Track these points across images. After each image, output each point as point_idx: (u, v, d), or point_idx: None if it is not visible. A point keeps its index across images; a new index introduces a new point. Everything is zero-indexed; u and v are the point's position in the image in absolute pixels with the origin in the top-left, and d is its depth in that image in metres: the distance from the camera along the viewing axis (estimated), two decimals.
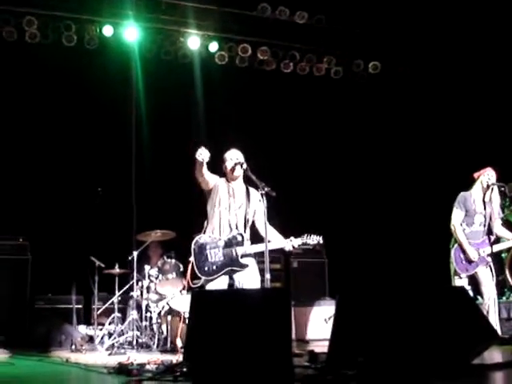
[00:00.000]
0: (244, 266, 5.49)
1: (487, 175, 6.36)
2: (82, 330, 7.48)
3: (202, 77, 9.00)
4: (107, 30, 8.35)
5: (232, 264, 5.49)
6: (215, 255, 5.49)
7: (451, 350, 4.04)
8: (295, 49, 9.22)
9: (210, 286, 5.48)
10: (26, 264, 7.79)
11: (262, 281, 5.38)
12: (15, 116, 8.37)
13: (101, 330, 7.29)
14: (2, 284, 7.61)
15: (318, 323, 7.82)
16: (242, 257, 5.50)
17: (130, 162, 8.73)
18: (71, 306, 7.41)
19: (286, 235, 5.54)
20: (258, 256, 5.64)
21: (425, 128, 9.41)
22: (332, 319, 7.69)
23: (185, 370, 4.36)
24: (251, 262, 5.56)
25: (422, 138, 9.43)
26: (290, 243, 5.49)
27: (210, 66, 9.00)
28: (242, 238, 5.55)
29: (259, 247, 5.49)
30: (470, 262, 6.25)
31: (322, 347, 5.99)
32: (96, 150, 8.61)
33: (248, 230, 5.66)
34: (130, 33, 8.45)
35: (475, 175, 6.48)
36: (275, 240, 5.47)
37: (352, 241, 9.21)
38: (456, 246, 6.37)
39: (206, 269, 5.48)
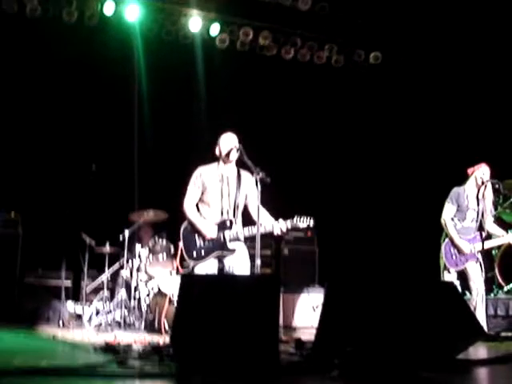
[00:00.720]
0: (232, 251, 5.48)
1: (481, 171, 6.34)
2: (70, 306, 7.48)
3: (202, 58, 8.97)
4: (108, 7, 8.28)
5: (220, 248, 5.48)
6: (203, 240, 5.49)
7: (437, 344, 4.07)
8: (297, 35, 9.17)
9: (198, 270, 5.49)
10: (17, 238, 7.76)
11: (253, 266, 5.38)
12: (12, 90, 8.30)
13: (89, 307, 7.30)
14: None
15: (306, 311, 7.86)
16: (230, 241, 5.49)
17: (129, 140, 8.72)
18: (60, 282, 7.39)
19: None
20: (249, 241, 5.63)
21: (422, 120, 9.39)
22: (320, 307, 7.78)
23: (171, 351, 4.37)
24: (240, 247, 5.54)
25: (418, 130, 9.41)
26: (279, 226, 5.40)
27: (210, 48, 8.95)
28: (231, 222, 5.54)
29: (247, 231, 5.47)
30: (460, 255, 6.24)
31: (308, 335, 6.02)
32: (94, 127, 8.57)
33: (239, 214, 5.64)
34: (132, 11, 8.39)
35: (469, 171, 6.45)
36: (265, 223, 5.38)
37: (344, 230, 9.22)
38: (447, 240, 6.37)
39: (195, 253, 5.50)
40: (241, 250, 5.55)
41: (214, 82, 9.02)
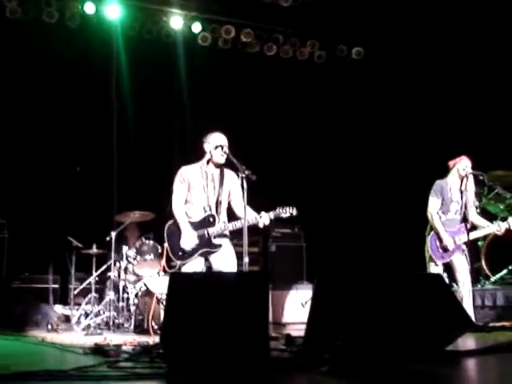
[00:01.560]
0: (217, 247, 5.48)
1: (463, 164, 6.36)
2: (59, 309, 7.46)
3: (184, 57, 8.95)
4: (89, 7, 8.25)
5: (205, 245, 5.47)
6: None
7: (426, 336, 4.09)
8: (279, 32, 9.20)
9: (185, 269, 5.48)
10: (3, 243, 7.70)
11: (240, 264, 5.38)
12: None
13: (77, 310, 7.27)
14: None
15: (295, 307, 7.87)
16: (214, 237, 5.49)
17: (110, 141, 8.69)
18: (48, 286, 7.36)
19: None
20: (236, 239, 5.63)
21: (403, 114, 9.44)
22: (309, 303, 7.80)
23: (161, 351, 4.37)
24: (225, 242, 5.54)
25: (400, 124, 9.46)
26: (263, 218, 5.40)
27: (192, 46, 8.94)
28: (214, 218, 5.54)
29: (231, 225, 5.48)
30: (445, 250, 6.28)
31: (298, 331, 6.03)
32: (76, 129, 8.55)
33: (223, 211, 5.63)
34: (112, 10, 8.36)
35: (450, 163, 6.47)
36: (248, 217, 5.35)
37: (330, 226, 9.26)
38: (432, 233, 6.38)
39: (180, 253, 5.49)
40: (226, 246, 5.55)
41: (197, 80, 9.01)
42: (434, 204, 6.36)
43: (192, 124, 8.90)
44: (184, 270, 5.48)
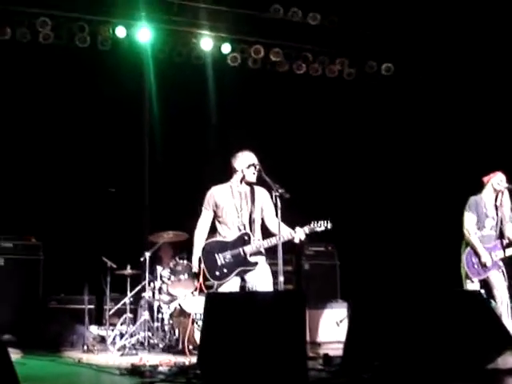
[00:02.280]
0: (254, 265, 5.45)
1: (498, 179, 6.30)
2: (94, 330, 7.49)
3: (214, 78, 9.00)
4: (120, 31, 8.36)
5: (241, 264, 5.45)
6: (224, 258, 5.47)
7: (466, 355, 4.02)
8: (308, 50, 9.17)
9: (222, 289, 5.45)
10: (39, 264, 7.81)
11: (275, 283, 5.36)
12: (29, 117, 8.40)
13: (112, 330, 7.30)
14: (14, 284, 7.63)
15: (330, 326, 7.80)
16: (250, 255, 5.47)
17: (142, 162, 8.79)
18: (83, 307, 7.40)
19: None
20: (270, 258, 5.61)
21: (436, 131, 9.36)
22: (343, 322, 7.74)
23: (198, 372, 4.36)
24: (261, 260, 5.52)
25: (433, 141, 9.38)
26: (298, 233, 5.36)
27: (222, 67, 8.98)
28: (249, 236, 5.52)
29: (266, 243, 5.45)
30: (484, 266, 6.17)
31: (333, 350, 5.98)
32: (109, 151, 8.63)
33: (257, 229, 5.61)
34: (143, 34, 8.45)
35: (485, 179, 6.40)
36: (283, 233, 5.31)
37: (364, 244, 9.16)
38: (468, 250, 6.29)
39: (217, 273, 5.46)
40: (262, 264, 5.52)
41: (227, 100, 9.05)
42: (469, 220, 6.28)
43: (222, 144, 8.93)
44: (221, 290, 5.46)
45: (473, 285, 6.24)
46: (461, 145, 9.00)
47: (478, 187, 6.46)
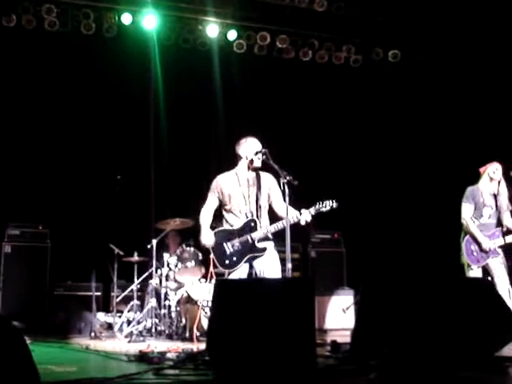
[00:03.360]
0: (262, 250, 5.43)
1: (494, 168, 6.35)
2: (101, 317, 7.53)
3: (220, 65, 8.98)
4: (126, 18, 8.34)
5: (250, 251, 5.43)
6: (232, 246, 5.46)
7: (475, 342, 4.02)
8: (314, 37, 9.13)
9: (231, 277, 5.46)
10: (46, 251, 7.84)
11: (283, 270, 5.35)
12: (35, 104, 8.40)
13: (119, 317, 7.33)
14: (22, 271, 7.67)
15: (336, 313, 7.83)
16: (258, 241, 5.45)
17: (148, 149, 8.80)
18: (90, 294, 7.44)
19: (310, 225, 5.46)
20: (278, 246, 5.60)
21: (442, 118, 9.32)
22: (350, 309, 7.76)
23: (206, 358, 4.37)
24: (269, 246, 5.50)
25: (439, 128, 9.34)
26: (304, 215, 5.32)
27: (228, 54, 8.96)
28: (255, 223, 5.50)
29: (273, 228, 5.43)
30: (483, 252, 6.23)
31: (340, 337, 6.00)
32: (115, 138, 8.64)
33: (264, 215, 5.59)
34: (149, 20, 8.43)
35: (481, 170, 6.46)
36: (289, 217, 5.22)
37: (370, 231, 9.15)
38: (466, 238, 6.33)
39: (227, 262, 5.45)
40: (271, 250, 5.50)
41: (233, 87, 9.03)
42: (467, 210, 6.35)
43: (228, 130, 8.92)
44: (230, 277, 5.46)
45: (474, 272, 6.27)
46: (466, 133, 8.96)
47: (477, 178, 6.49)
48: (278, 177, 5.20)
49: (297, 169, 5.56)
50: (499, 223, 6.30)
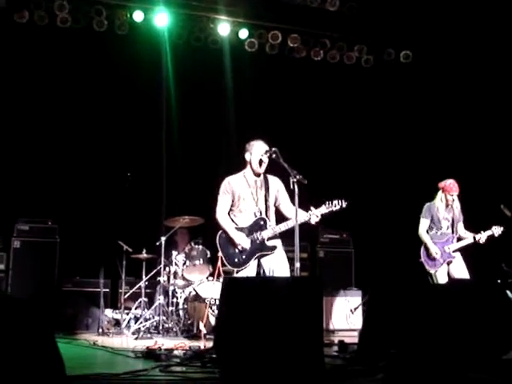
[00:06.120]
0: (272, 248, 5.48)
1: (447, 186, 6.97)
2: (109, 313, 7.55)
3: (231, 63, 8.97)
4: (138, 16, 8.33)
5: (260, 249, 5.48)
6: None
7: (483, 345, 4.00)
8: (326, 36, 9.10)
9: (241, 275, 5.47)
10: (55, 247, 7.85)
11: (292, 270, 5.36)
12: (46, 100, 8.41)
13: (127, 314, 7.35)
14: (30, 266, 7.68)
15: (344, 313, 7.80)
16: (268, 240, 5.49)
17: (159, 147, 8.80)
18: (98, 290, 7.46)
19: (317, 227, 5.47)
20: (287, 245, 5.61)
21: (454, 118, 9.27)
22: (358, 309, 7.73)
23: (213, 356, 4.37)
24: (278, 244, 5.54)
25: (450, 128, 9.29)
26: (314, 214, 5.38)
27: (239, 52, 8.94)
28: (264, 221, 5.55)
29: (283, 226, 5.48)
30: (433, 259, 6.88)
31: (347, 337, 5.99)
32: (126, 135, 8.65)
33: (272, 215, 5.65)
34: (161, 18, 8.42)
35: (439, 185, 7.07)
36: (299, 217, 5.27)
37: (379, 231, 9.12)
38: (422, 249, 7.02)
39: (236, 260, 5.49)
40: (279, 249, 5.54)
41: (244, 86, 9.02)
42: (422, 225, 7.05)
43: (239, 129, 8.92)
44: (239, 275, 5.47)
45: (438, 274, 6.87)
46: (480, 131, 8.92)
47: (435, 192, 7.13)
48: (288, 176, 5.20)
49: (306, 168, 5.56)
50: (455, 232, 7.02)
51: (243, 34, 8.83)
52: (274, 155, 5.38)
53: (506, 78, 8.72)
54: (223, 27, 8.70)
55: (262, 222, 5.54)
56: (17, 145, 8.23)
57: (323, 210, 5.42)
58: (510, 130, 8.71)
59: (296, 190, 5.04)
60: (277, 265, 5.45)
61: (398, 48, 9.35)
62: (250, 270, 5.47)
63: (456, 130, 9.22)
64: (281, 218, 5.67)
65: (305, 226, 5.45)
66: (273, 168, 5.64)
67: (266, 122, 8.75)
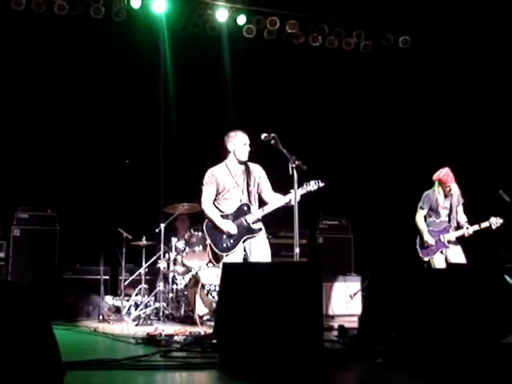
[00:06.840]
0: (258, 231, 5.71)
1: (444, 174, 6.99)
2: (109, 300, 7.57)
3: (229, 50, 8.94)
4: (135, 2, 8.28)
5: (246, 232, 5.70)
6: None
7: (482, 329, 4.02)
8: (324, 22, 9.07)
9: (227, 260, 5.64)
10: (55, 235, 7.85)
11: (288, 256, 5.46)
12: (44, 88, 8.39)
13: (127, 301, 7.37)
14: (30, 255, 7.69)
15: (343, 299, 7.84)
16: (253, 223, 5.70)
17: (158, 133, 8.80)
18: (99, 277, 7.48)
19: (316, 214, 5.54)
20: (286, 231, 5.70)
21: (454, 104, 9.25)
22: (357, 295, 7.76)
23: (213, 341, 4.39)
24: (262, 226, 5.76)
25: (450, 115, 9.27)
26: (290, 195, 5.48)
27: (237, 38, 8.91)
28: (248, 206, 5.77)
29: (267, 208, 5.68)
30: (427, 247, 6.96)
31: (346, 322, 6.01)
32: (124, 122, 8.63)
33: (255, 201, 5.84)
34: (158, 4, 8.39)
35: (434, 176, 7.10)
36: (278, 200, 5.62)
37: (378, 217, 9.13)
38: (418, 237, 7.09)
39: (224, 245, 5.71)
40: (262, 233, 5.76)
41: (242, 72, 8.99)
42: (419, 214, 7.12)
43: (237, 115, 8.90)
44: (226, 260, 5.65)
45: (435, 260, 6.93)
46: (480, 118, 8.90)
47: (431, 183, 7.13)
48: (286, 161, 5.21)
49: (305, 154, 5.56)
50: (453, 219, 7.03)
51: (241, 20, 8.79)
52: (272, 141, 5.40)
53: (505, 64, 8.68)
54: (221, 13, 8.66)
55: (245, 208, 5.77)
56: (15, 133, 8.21)
57: (300, 191, 5.51)
58: (509, 116, 8.69)
59: (295, 175, 5.08)
60: (258, 247, 5.67)
61: (396, 33, 9.31)
62: (237, 254, 5.68)
63: (455, 116, 9.21)
64: (263, 204, 5.85)
65: (304, 213, 5.48)
66: (271, 154, 5.65)
67: (264, 108, 8.76)
